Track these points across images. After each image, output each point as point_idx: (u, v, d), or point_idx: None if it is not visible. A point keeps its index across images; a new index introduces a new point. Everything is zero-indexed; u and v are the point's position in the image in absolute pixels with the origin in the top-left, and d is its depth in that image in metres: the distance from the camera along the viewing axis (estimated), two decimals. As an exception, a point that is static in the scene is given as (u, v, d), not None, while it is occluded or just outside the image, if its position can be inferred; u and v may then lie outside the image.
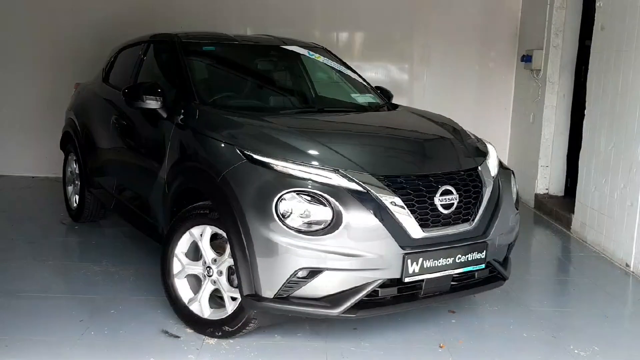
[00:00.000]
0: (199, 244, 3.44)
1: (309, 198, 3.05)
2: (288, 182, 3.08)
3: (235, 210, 3.12)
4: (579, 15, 6.52)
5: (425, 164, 3.47)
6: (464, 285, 3.44)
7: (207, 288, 3.43)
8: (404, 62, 7.71)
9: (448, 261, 3.22)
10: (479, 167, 3.55)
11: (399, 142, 3.78)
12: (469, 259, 3.29)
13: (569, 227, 5.89)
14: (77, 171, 5.59)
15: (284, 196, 3.03)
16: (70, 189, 5.83)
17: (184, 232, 3.50)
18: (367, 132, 3.96)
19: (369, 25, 7.59)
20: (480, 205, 3.41)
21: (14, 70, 7.54)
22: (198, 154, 3.57)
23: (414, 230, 3.13)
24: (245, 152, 3.25)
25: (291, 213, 3.03)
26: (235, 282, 3.35)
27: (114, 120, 4.64)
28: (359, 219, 3.04)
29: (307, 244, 3.00)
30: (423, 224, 3.17)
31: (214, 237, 3.42)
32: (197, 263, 3.49)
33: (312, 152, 3.26)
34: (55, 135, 6.30)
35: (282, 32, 5.97)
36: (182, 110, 3.84)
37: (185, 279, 3.54)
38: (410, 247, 3.11)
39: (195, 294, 3.50)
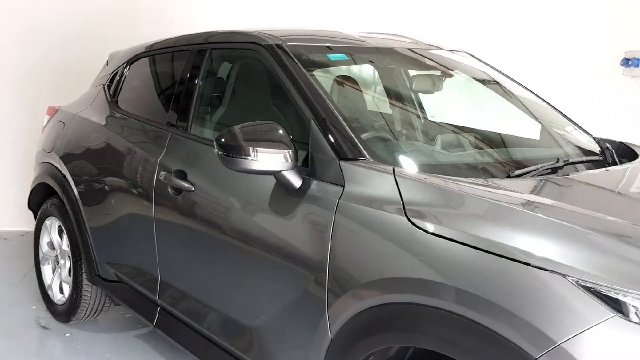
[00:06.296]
0: None
1: None
2: None
3: None
4: None
5: None
6: None
7: None
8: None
9: None
10: None
11: None
12: None
13: None
14: (65, 247, 3.57)
15: None
16: (47, 270, 3.80)
17: None
18: None
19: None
20: None
21: None
22: (439, 282, 1.70)
23: None
24: (620, 299, 1.44)
25: None
26: None
27: (161, 179, 2.70)
28: None
29: None
30: None
31: None
32: None
33: None
34: None
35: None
36: (345, 177, 2.01)
37: None
38: None
39: None
